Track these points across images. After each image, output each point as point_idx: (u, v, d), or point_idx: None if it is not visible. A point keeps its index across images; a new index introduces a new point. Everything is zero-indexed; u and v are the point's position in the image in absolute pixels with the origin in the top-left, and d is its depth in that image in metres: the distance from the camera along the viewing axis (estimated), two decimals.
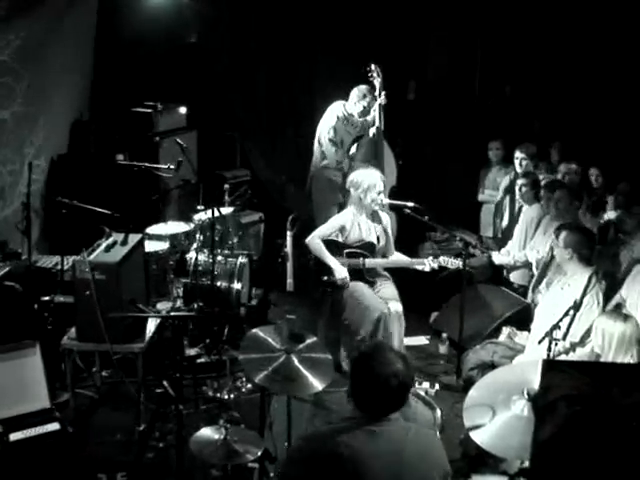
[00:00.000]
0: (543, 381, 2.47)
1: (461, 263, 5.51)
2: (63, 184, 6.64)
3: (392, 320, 5.43)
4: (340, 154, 6.70)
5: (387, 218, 5.86)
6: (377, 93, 6.67)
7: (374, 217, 5.74)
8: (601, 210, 6.52)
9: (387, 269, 5.87)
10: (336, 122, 6.66)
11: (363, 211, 5.65)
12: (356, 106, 6.66)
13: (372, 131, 6.77)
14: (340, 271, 5.49)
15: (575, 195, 6.13)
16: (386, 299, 5.53)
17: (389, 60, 6.98)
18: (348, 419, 2.74)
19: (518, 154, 6.83)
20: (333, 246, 5.59)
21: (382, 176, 5.72)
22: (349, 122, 6.73)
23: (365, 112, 6.68)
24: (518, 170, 6.84)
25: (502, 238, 6.91)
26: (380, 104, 6.68)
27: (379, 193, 5.60)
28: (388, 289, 5.68)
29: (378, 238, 5.71)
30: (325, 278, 5.54)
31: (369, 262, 5.61)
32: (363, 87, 6.63)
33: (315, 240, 5.58)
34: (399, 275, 5.90)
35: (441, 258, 5.59)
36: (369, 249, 5.63)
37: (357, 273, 5.56)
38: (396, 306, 5.51)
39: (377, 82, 6.64)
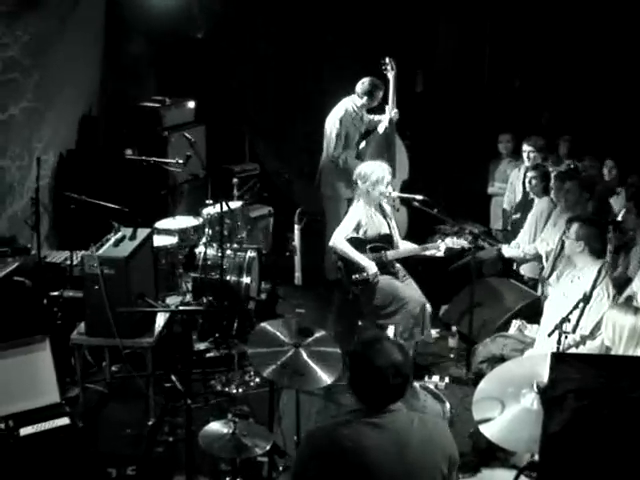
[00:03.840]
0: (552, 374, 2.47)
1: (466, 243, 5.53)
2: (72, 179, 6.64)
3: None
4: (339, 147, 6.69)
5: (389, 208, 5.83)
6: (390, 85, 6.67)
7: (381, 209, 5.72)
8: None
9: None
10: (343, 115, 6.66)
11: (372, 204, 5.61)
12: (362, 98, 6.66)
13: (383, 126, 6.75)
14: (371, 267, 5.43)
15: (585, 187, 6.09)
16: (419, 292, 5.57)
17: (397, 52, 6.94)
18: (350, 412, 2.74)
19: (526, 147, 6.79)
20: (355, 243, 5.52)
21: (390, 169, 5.68)
22: (357, 116, 6.72)
23: (373, 99, 6.67)
24: (526, 163, 6.81)
25: (512, 231, 6.88)
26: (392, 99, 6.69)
27: (387, 186, 5.57)
28: (412, 282, 5.68)
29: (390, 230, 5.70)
30: (355, 277, 5.47)
31: (390, 254, 5.58)
32: (366, 80, 6.64)
33: (341, 241, 5.48)
34: (408, 268, 5.88)
35: (447, 239, 5.59)
36: (388, 241, 5.61)
37: (381, 266, 5.53)
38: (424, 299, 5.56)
39: (391, 75, 6.63)
